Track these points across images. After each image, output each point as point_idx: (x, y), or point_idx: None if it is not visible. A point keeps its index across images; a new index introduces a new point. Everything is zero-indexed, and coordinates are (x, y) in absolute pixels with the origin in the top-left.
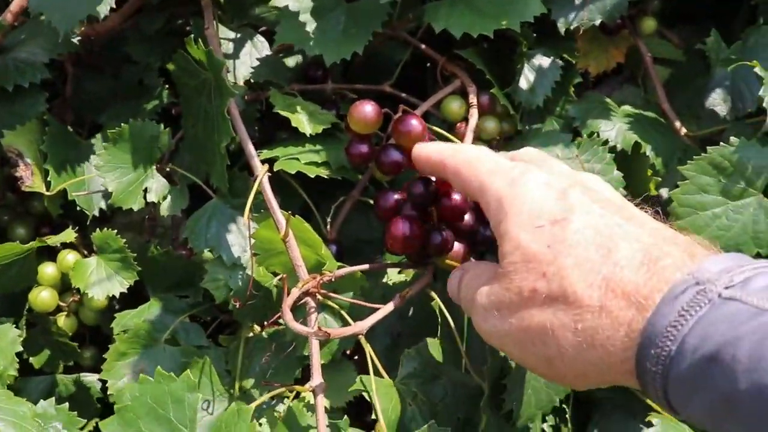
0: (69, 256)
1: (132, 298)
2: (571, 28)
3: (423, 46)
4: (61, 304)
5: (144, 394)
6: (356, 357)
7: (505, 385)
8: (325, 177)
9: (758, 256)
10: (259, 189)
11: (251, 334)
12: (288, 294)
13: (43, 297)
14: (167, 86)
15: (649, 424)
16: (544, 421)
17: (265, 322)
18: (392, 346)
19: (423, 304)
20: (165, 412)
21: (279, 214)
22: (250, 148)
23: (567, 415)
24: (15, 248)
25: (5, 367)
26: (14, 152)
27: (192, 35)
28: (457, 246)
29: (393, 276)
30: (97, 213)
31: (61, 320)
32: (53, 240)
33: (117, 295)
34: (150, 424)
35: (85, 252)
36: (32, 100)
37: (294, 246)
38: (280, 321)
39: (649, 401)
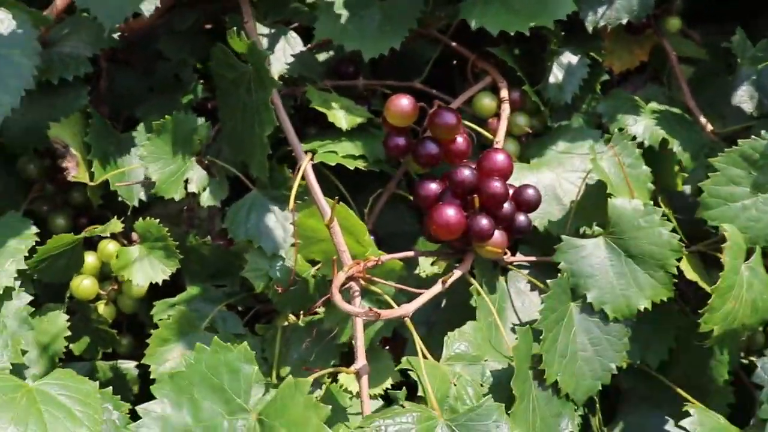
0: (110, 246)
1: (167, 288)
2: (599, 26)
3: (454, 44)
4: (101, 292)
5: (199, 361)
6: (386, 347)
7: (540, 356)
8: (362, 169)
9: None
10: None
11: (287, 323)
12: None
13: (84, 285)
14: (202, 81)
15: (686, 414)
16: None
17: (302, 312)
18: (428, 334)
19: (455, 295)
20: (220, 381)
21: (323, 202)
22: (294, 137)
23: (596, 406)
24: (66, 239)
25: (55, 352)
26: (61, 144)
27: (234, 29)
28: (497, 234)
29: (426, 268)
30: (137, 203)
31: (101, 308)
32: (102, 230)
33: (159, 283)
34: (203, 391)
35: (125, 241)
36: (75, 93)
37: (338, 232)
38: (318, 310)
39: (675, 391)
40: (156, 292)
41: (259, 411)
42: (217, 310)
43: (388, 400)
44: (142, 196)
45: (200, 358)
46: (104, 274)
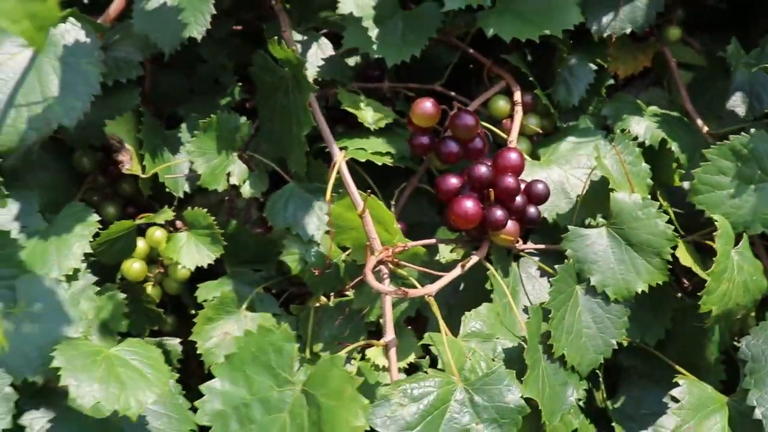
0: (157, 233)
1: (207, 272)
2: (604, 35)
3: (471, 50)
4: (149, 274)
5: (249, 344)
6: (409, 327)
7: (549, 332)
8: (389, 165)
9: (763, 235)
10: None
11: (318, 304)
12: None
13: (135, 268)
14: (240, 83)
15: (675, 385)
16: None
17: (332, 294)
18: (447, 316)
19: (471, 280)
20: (267, 359)
21: (356, 194)
22: (329, 136)
23: (600, 381)
24: (124, 225)
25: (114, 327)
26: (116, 139)
27: (275, 38)
28: (511, 223)
29: (445, 254)
30: (181, 194)
31: (149, 289)
32: (154, 218)
33: (205, 266)
34: (254, 368)
35: (171, 228)
36: (129, 94)
37: (369, 221)
38: (348, 292)
39: (671, 368)
40: (197, 275)
41: (303, 383)
42: (255, 292)
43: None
44: (187, 187)
45: (249, 341)
46: (151, 258)
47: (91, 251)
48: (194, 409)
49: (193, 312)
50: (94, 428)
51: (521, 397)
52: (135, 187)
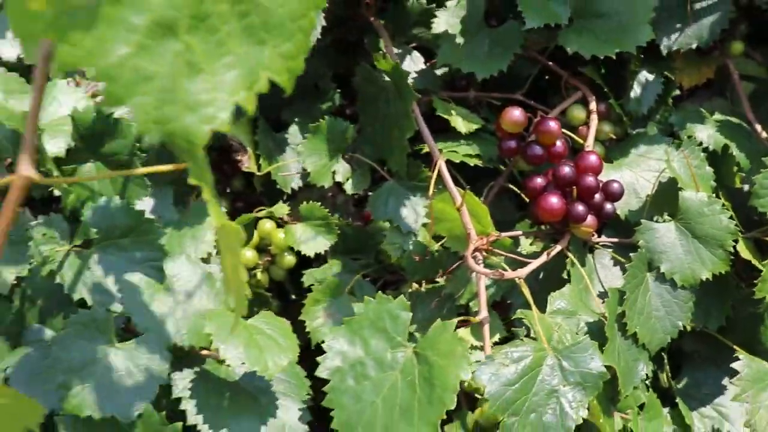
0: (267, 224)
1: (307, 262)
2: (672, 50)
3: (550, 64)
4: (258, 262)
5: (367, 310)
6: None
7: (624, 312)
8: (480, 166)
9: None
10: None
11: (411, 290)
12: (468, 249)
13: (248, 255)
14: (339, 90)
15: (736, 359)
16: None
17: (424, 280)
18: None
19: (550, 269)
20: (383, 324)
21: (455, 190)
22: (431, 139)
23: (665, 362)
24: (247, 217)
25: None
26: (237, 141)
27: (380, 52)
28: (590, 218)
29: (526, 246)
30: (289, 191)
31: (259, 275)
32: (270, 212)
33: (322, 252)
34: (371, 332)
35: (279, 220)
36: None
37: (466, 214)
38: (438, 279)
39: (730, 352)
40: (299, 264)
41: (414, 345)
42: (355, 278)
43: None
44: (294, 185)
45: (368, 308)
46: (260, 248)
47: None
48: (309, 377)
49: (293, 297)
50: (227, 388)
51: (602, 365)
52: (244, 184)
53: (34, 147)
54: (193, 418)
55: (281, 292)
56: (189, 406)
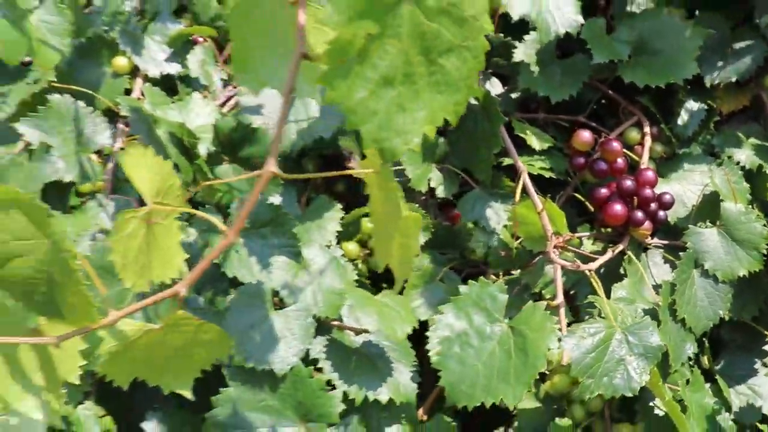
0: (369, 223)
1: None
2: (714, 83)
3: (610, 91)
4: (359, 254)
5: (471, 291)
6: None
7: (674, 300)
8: (553, 177)
9: None
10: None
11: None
12: (548, 244)
13: (351, 248)
14: None
15: (767, 343)
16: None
17: (501, 272)
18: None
19: (610, 264)
20: (484, 303)
21: (536, 198)
22: (515, 155)
23: (706, 346)
24: (358, 212)
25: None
26: (348, 150)
27: None
28: (646, 223)
29: (588, 246)
30: None
31: (360, 265)
32: None
33: (422, 243)
34: (474, 309)
35: None
36: None
37: (546, 217)
38: (513, 272)
39: (763, 340)
40: None
41: (509, 321)
42: (444, 270)
43: None
44: None
45: (472, 289)
46: (361, 242)
47: (341, 229)
48: (414, 348)
49: (384, 285)
50: (352, 353)
51: (660, 340)
52: (345, 188)
53: (277, 150)
54: (329, 375)
55: (376, 280)
56: (326, 365)
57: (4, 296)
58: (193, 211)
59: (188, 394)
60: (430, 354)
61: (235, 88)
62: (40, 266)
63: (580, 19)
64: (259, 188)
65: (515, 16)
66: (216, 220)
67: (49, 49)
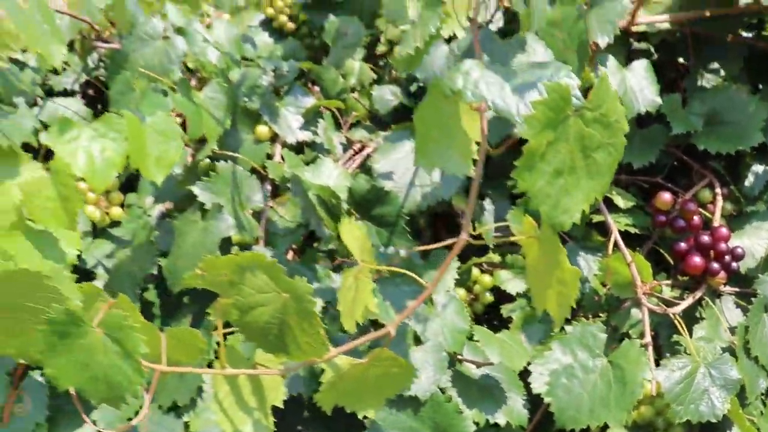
0: (475, 270)
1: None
2: None
3: (684, 156)
4: (466, 298)
5: (575, 330)
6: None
7: (748, 340)
8: (638, 233)
9: None
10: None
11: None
12: (637, 289)
13: (461, 293)
14: None
15: None
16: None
17: (590, 314)
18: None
19: (688, 309)
20: (587, 341)
21: (626, 251)
22: (607, 214)
23: None
24: (470, 263)
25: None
26: (461, 209)
27: None
28: (722, 273)
29: (666, 292)
30: (491, 245)
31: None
32: (484, 260)
33: (521, 292)
34: (578, 346)
35: (482, 267)
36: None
37: (635, 269)
38: (601, 315)
39: None
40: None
41: (608, 357)
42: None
43: None
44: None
45: (575, 328)
46: (467, 287)
47: (458, 277)
48: None
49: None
50: (472, 383)
51: (738, 374)
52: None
53: (470, 220)
54: (455, 400)
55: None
56: (453, 393)
57: (235, 339)
58: (383, 267)
59: (372, 415)
60: (532, 385)
61: (356, 153)
62: (276, 314)
63: (659, 101)
64: (455, 252)
65: None
66: (417, 278)
67: (214, 122)
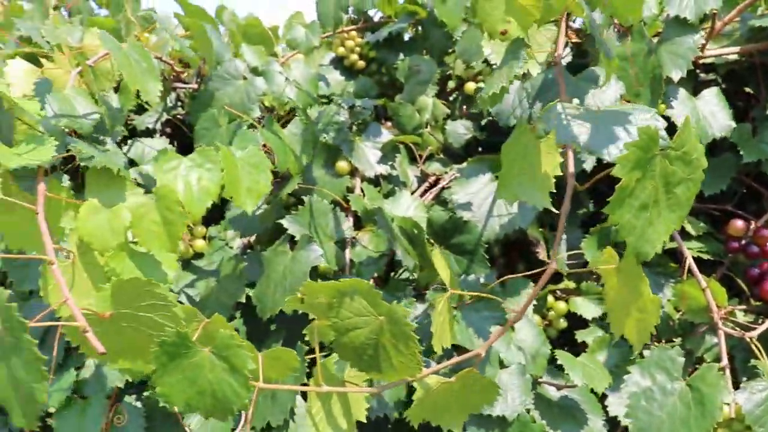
0: (550, 297)
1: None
2: None
3: (755, 184)
4: (540, 324)
5: (653, 355)
6: None
7: None
8: (710, 259)
9: None
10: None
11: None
12: (713, 313)
13: (536, 319)
14: (591, 200)
15: None
16: None
17: (662, 339)
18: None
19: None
20: (665, 365)
21: (701, 277)
22: (681, 242)
23: None
24: (546, 290)
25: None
26: (536, 238)
27: None
28: None
29: (740, 317)
30: (564, 272)
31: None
32: (559, 287)
33: (597, 316)
34: (656, 369)
35: (555, 294)
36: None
37: (710, 294)
38: (674, 339)
39: None
40: (573, 325)
41: (686, 380)
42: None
43: None
44: (567, 269)
45: (653, 353)
46: (542, 313)
47: (535, 303)
48: None
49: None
50: (554, 405)
51: None
52: (526, 268)
53: (557, 250)
54: (539, 421)
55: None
56: (535, 414)
57: (328, 360)
58: (471, 293)
59: (457, 429)
60: (610, 408)
61: (431, 186)
62: (371, 335)
63: (733, 124)
64: (543, 281)
65: (678, 123)
66: (500, 302)
67: (297, 157)
